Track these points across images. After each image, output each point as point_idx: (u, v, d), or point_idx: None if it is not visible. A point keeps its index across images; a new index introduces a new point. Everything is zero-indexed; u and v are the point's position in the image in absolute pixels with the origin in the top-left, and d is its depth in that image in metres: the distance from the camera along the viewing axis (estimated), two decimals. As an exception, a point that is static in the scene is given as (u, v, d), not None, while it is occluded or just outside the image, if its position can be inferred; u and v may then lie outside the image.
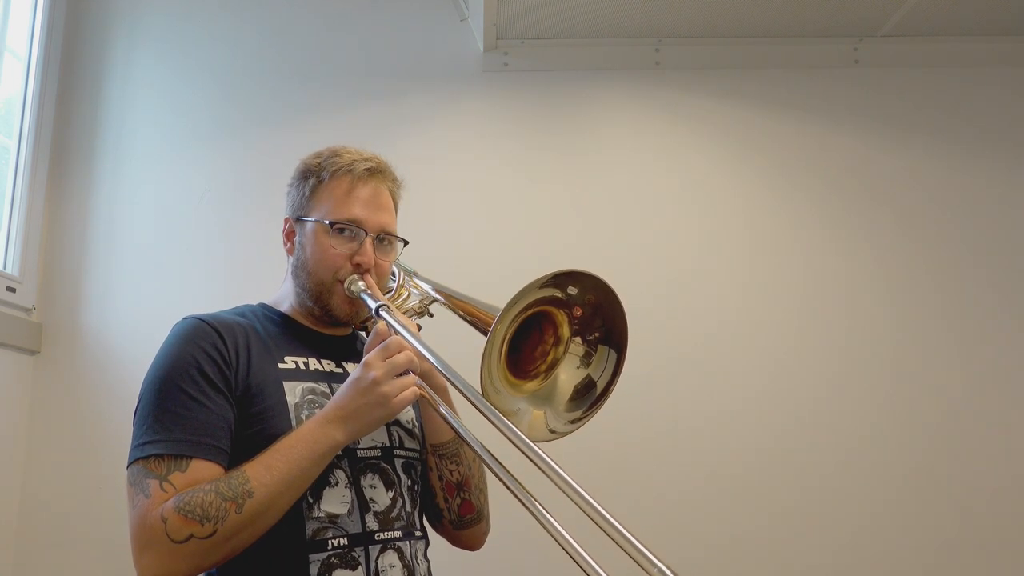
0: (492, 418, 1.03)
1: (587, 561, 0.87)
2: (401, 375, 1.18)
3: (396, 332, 1.23)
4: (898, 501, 2.38)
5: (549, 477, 0.91)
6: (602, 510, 0.85)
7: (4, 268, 2.38)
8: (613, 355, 1.22)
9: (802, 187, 2.61)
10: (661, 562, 0.77)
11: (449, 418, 1.20)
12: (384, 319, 1.25)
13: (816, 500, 2.38)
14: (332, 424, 1.16)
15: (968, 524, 2.36)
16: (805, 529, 2.36)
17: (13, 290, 2.36)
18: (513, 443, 0.99)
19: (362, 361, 1.19)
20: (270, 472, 1.11)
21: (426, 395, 1.22)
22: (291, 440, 1.14)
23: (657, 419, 2.42)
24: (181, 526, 1.07)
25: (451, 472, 1.36)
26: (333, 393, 1.29)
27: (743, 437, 2.42)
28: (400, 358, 1.18)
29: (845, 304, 2.52)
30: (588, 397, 1.22)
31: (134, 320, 2.46)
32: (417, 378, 1.21)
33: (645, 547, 0.79)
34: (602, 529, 0.84)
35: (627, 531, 0.81)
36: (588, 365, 1.22)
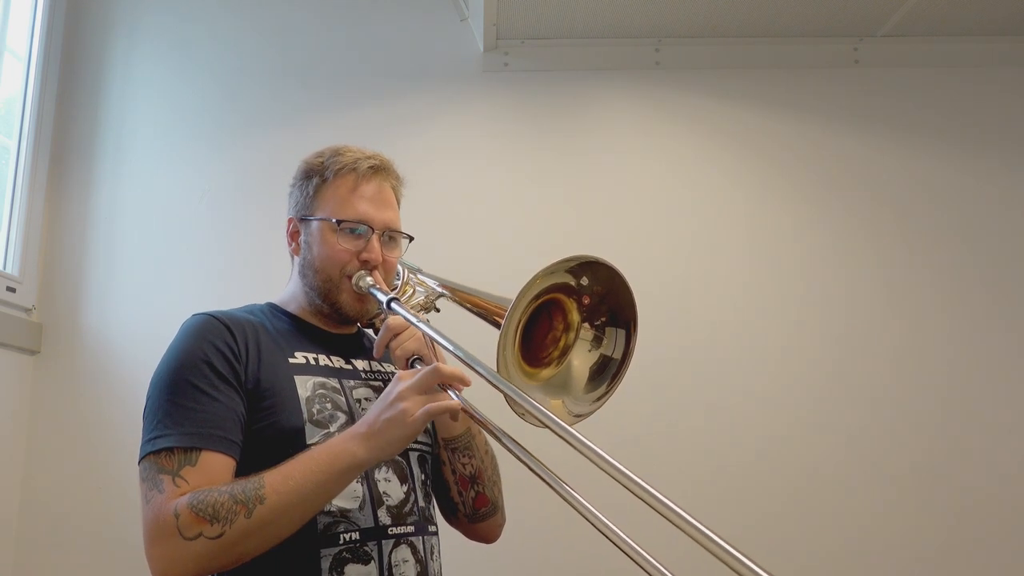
0: (516, 397, 1.01)
1: (629, 544, 0.83)
2: (433, 391, 1.12)
3: (409, 323, 1.24)
4: (899, 499, 2.38)
5: (581, 452, 0.87)
6: (641, 481, 0.81)
7: (4, 268, 2.37)
8: (622, 333, 1.21)
9: (802, 186, 2.61)
10: (716, 535, 0.75)
11: (492, 427, 1.11)
12: (396, 311, 1.25)
13: (816, 498, 2.38)
14: (356, 440, 1.11)
15: (969, 521, 2.37)
16: (805, 527, 2.36)
17: (13, 290, 2.35)
18: (542, 422, 0.97)
19: (395, 375, 1.15)
20: (287, 481, 1.09)
21: (467, 413, 1.13)
22: (315, 451, 1.12)
23: (657, 418, 2.42)
24: (192, 523, 1.06)
25: (464, 466, 1.37)
26: (343, 388, 1.30)
27: (743, 436, 2.42)
28: (429, 371, 1.12)
29: (845, 302, 2.52)
30: (607, 372, 1.21)
31: (134, 320, 2.46)
32: (456, 397, 1.13)
33: (696, 519, 0.77)
34: (645, 501, 0.79)
35: (676, 504, 0.78)
36: (600, 346, 1.22)
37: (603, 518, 0.86)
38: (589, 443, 0.88)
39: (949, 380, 2.46)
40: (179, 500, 1.08)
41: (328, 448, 1.12)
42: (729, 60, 2.69)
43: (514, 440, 1.04)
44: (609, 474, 0.83)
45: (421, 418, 1.09)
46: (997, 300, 2.52)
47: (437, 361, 1.24)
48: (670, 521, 0.76)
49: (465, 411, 1.12)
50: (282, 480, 1.09)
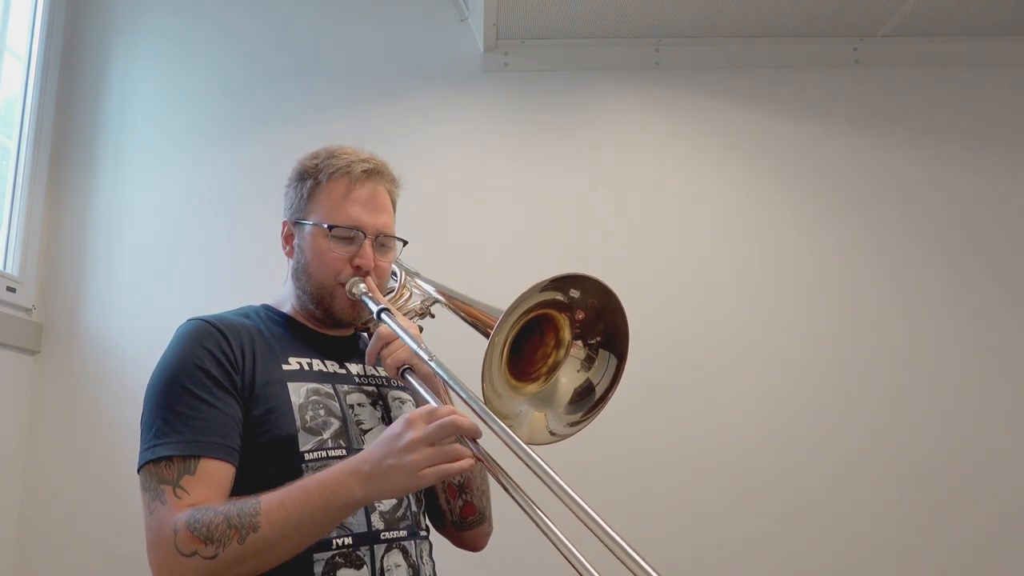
0: (493, 426, 1.03)
1: (584, 565, 0.87)
2: (446, 441, 1.06)
3: (397, 335, 1.23)
4: (908, 503, 2.38)
5: (547, 485, 0.90)
6: (596, 516, 0.85)
7: (4, 268, 2.37)
8: (614, 360, 1.20)
9: (802, 186, 2.61)
10: (652, 568, 0.77)
11: (498, 476, 1.07)
12: (385, 323, 1.25)
13: (825, 501, 2.38)
14: (356, 478, 1.07)
15: (978, 526, 2.36)
16: (813, 532, 2.36)
17: (13, 290, 2.35)
18: (513, 452, 0.98)
19: (407, 416, 1.08)
20: (282, 510, 1.07)
21: (484, 466, 1.08)
22: (313, 482, 1.09)
23: (662, 423, 2.41)
24: (188, 541, 1.07)
25: None
26: (336, 393, 1.29)
27: (752, 440, 2.41)
28: (446, 424, 1.05)
29: (849, 302, 2.51)
30: (587, 401, 1.20)
31: (134, 320, 2.46)
32: (472, 448, 1.07)
33: (638, 553, 0.79)
34: (597, 536, 0.84)
35: (620, 537, 0.82)
36: (589, 369, 1.21)
37: (578, 554, 0.92)
38: (548, 467, 0.95)
39: (959, 381, 2.45)
40: (179, 516, 1.08)
41: (326, 481, 1.08)
42: (729, 60, 2.69)
43: (517, 485, 1.03)
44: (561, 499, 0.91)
45: (430, 477, 1.05)
46: (1004, 299, 2.51)
47: (424, 361, 1.22)
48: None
49: (479, 459, 1.07)
50: (278, 508, 1.07)
